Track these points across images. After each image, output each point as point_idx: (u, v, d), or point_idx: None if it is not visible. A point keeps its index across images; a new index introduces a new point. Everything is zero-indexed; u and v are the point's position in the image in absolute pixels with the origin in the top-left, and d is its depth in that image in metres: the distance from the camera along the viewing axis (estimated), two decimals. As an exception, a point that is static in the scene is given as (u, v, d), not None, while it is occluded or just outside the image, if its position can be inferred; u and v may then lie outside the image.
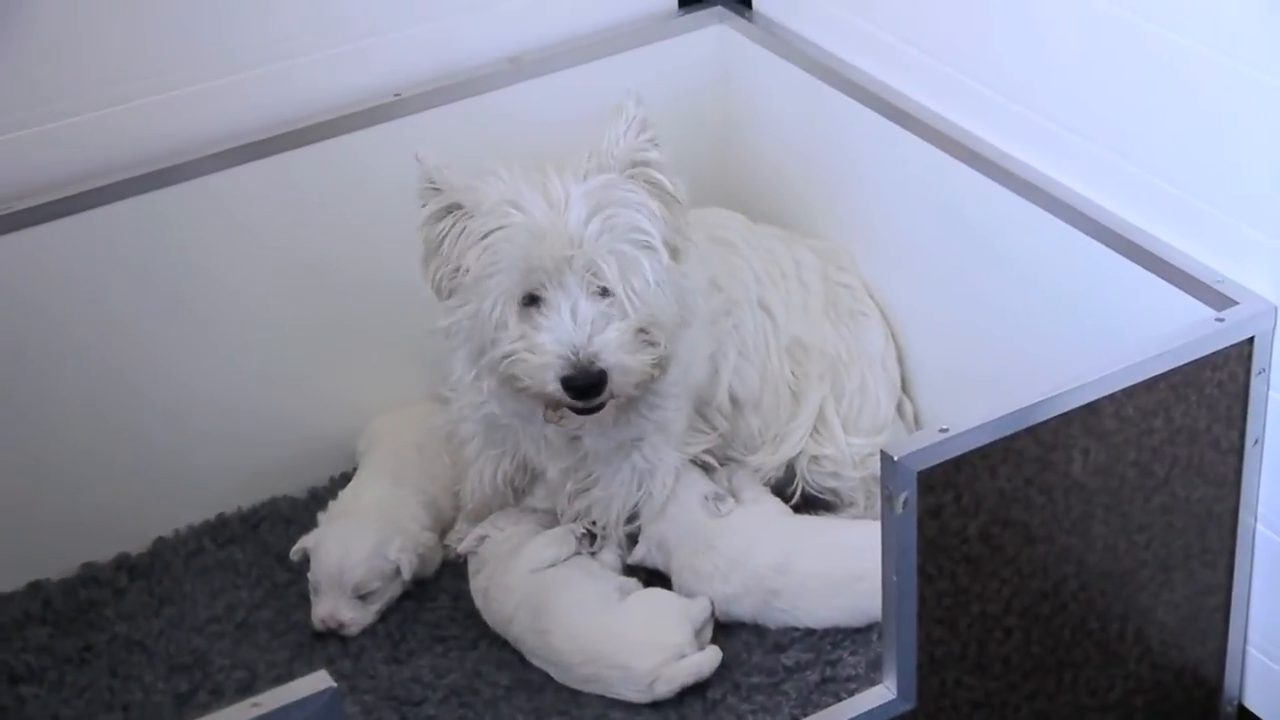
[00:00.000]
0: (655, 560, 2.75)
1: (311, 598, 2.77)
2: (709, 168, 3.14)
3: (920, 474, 2.17)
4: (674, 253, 2.55)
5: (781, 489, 2.84)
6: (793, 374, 2.85)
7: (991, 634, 2.33)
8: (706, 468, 2.79)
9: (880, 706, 2.29)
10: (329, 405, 3.01)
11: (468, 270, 2.51)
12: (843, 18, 2.92)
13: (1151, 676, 2.51)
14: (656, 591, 2.70)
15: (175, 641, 2.75)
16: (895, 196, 2.87)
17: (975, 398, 2.63)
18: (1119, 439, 2.31)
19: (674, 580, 2.73)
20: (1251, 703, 2.57)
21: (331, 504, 2.88)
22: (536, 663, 2.68)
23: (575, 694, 2.63)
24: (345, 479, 2.98)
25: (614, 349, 2.48)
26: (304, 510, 2.96)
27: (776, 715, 2.55)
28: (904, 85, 2.83)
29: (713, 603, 2.68)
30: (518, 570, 2.71)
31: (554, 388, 2.49)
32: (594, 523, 2.77)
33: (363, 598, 2.75)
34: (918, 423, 2.94)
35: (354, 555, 2.74)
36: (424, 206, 2.54)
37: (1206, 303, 2.39)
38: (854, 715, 2.28)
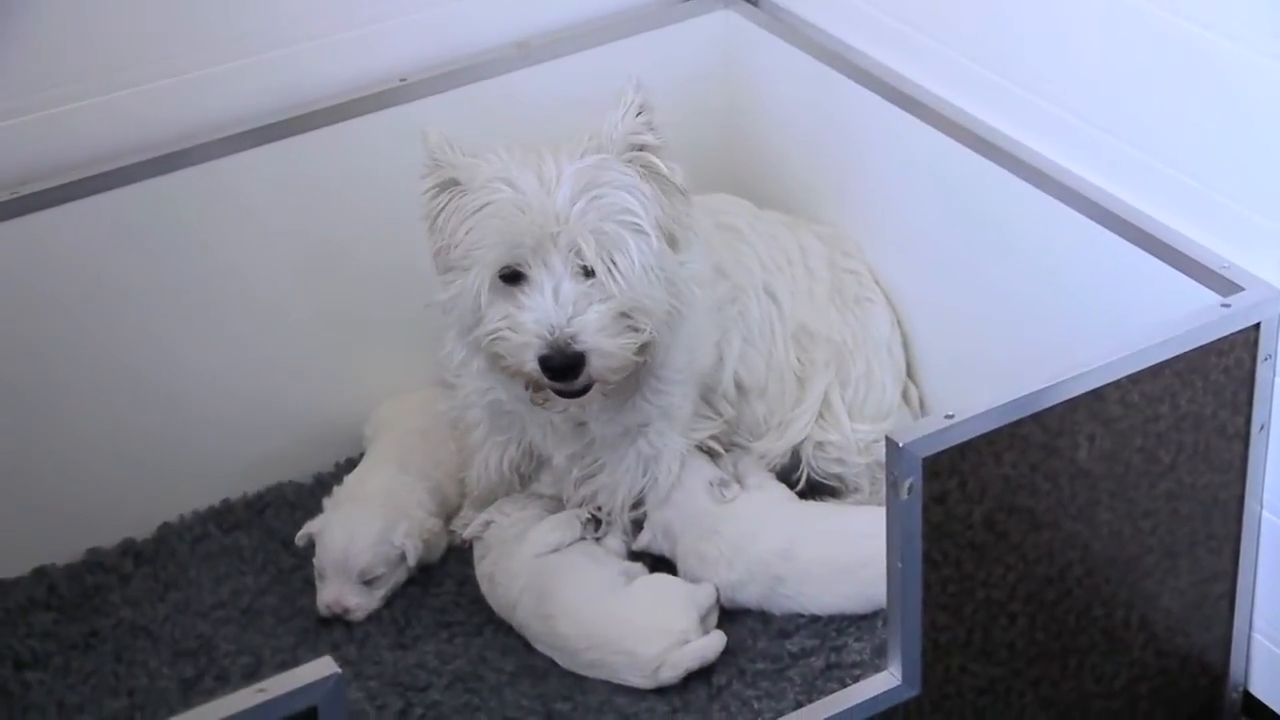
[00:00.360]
0: (660, 546, 2.75)
1: (317, 583, 2.77)
2: (714, 153, 3.14)
3: (925, 460, 2.16)
4: (670, 240, 2.54)
5: (787, 475, 2.84)
6: (798, 360, 2.84)
7: (996, 620, 2.33)
8: (712, 454, 2.79)
9: (885, 693, 2.29)
10: (335, 391, 3.01)
11: (458, 245, 2.51)
12: (849, 3, 2.91)
13: (1156, 663, 2.51)
14: (662, 577, 2.70)
15: (180, 627, 2.75)
16: (901, 182, 2.86)
17: (981, 384, 2.63)
18: (1125, 425, 2.31)
19: (679, 566, 2.73)
20: (1257, 689, 2.57)
21: (337, 489, 2.88)
22: (541, 648, 2.68)
23: (580, 679, 2.63)
24: (351, 464, 2.98)
25: (592, 331, 2.46)
26: (309, 496, 2.96)
27: (781, 701, 2.55)
28: (911, 71, 2.82)
29: (718, 589, 2.68)
30: (523, 556, 2.71)
31: (532, 367, 2.48)
32: (599, 508, 2.77)
33: (368, 583, 2.75)
34: (923, 409, 2.94)
35: (359, 541, 2.74)
36: (424, 179, 2.55)
37: (1213, 288, 2.38)
38: (859, 701, 2.27)
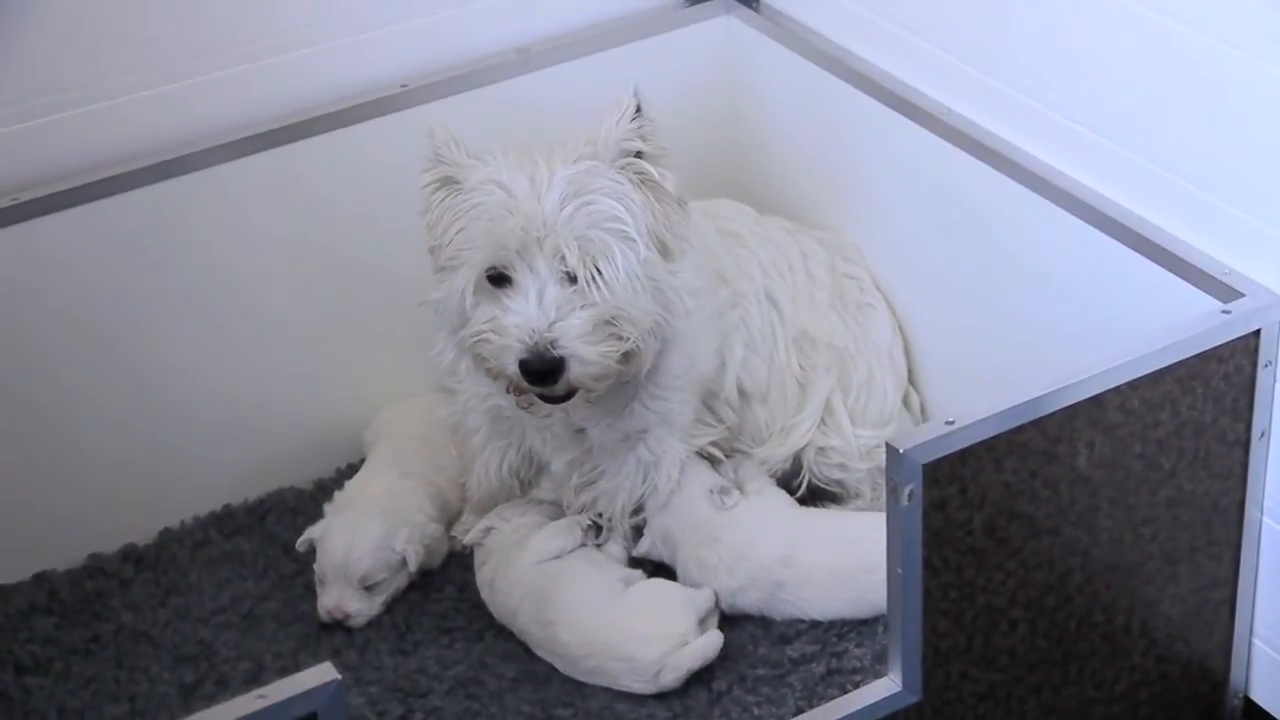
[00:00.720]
0: (660, 553, 2.75)
1: (317, 589, 2.77)
2: (716, 159, 3.14)
3: (926, 466, 2.17)
4: (662, 249, 2.53)
5: (788, 481, 2.84)
6: (800, 366, 2.84)
7: (997, 626, 2.33)
8: (712, 460, 2.79)
9: (886, 699, 2.29)
10: (336, 396, 3.01)
11: (449, 244, 2.51)
12: (850, 9, 2.92)
13: (1157, 669, 2.50)
14: (659, 582, 2.71)
15: (181, 632, 2.76)
16: (902, 188, 2.86)
17: (981, 390, 2.63)
18: (1125, 432, 2.31)
19: (679, 573, 2.73)
20: (1257, 695, 2.57)
21: (338, 495, 2.88)
22: (542, 654, 2.68)
23: (581, 686, 2.63)
24: (352, 470, 2.98)
25: (572, 337, 2.46)
26: (310, 501, 2.96)
27: (782, 707, 2.55)
28: (912, 77, 2.82)
29: (717, 594, 2.68)
30: (523, 562, 2.71)
31: (512, 370, 2.48)
32: (599, 515, 2.77)
33: (369, 589, 2.75)
34: (924, 415, 2.94)
35: (360, 546, 2.74)
36: (425, 173, 2.55)
37: (1213, 295, 2.38)
38: (860, 707, 2.28)
